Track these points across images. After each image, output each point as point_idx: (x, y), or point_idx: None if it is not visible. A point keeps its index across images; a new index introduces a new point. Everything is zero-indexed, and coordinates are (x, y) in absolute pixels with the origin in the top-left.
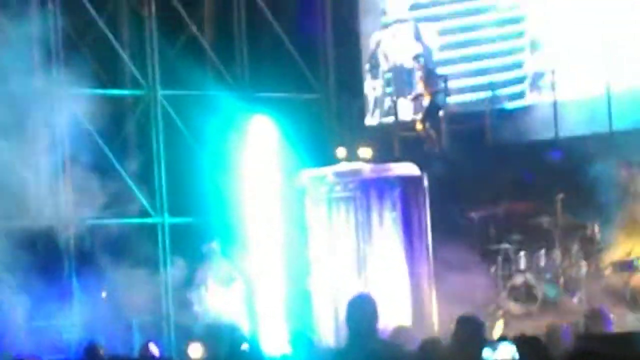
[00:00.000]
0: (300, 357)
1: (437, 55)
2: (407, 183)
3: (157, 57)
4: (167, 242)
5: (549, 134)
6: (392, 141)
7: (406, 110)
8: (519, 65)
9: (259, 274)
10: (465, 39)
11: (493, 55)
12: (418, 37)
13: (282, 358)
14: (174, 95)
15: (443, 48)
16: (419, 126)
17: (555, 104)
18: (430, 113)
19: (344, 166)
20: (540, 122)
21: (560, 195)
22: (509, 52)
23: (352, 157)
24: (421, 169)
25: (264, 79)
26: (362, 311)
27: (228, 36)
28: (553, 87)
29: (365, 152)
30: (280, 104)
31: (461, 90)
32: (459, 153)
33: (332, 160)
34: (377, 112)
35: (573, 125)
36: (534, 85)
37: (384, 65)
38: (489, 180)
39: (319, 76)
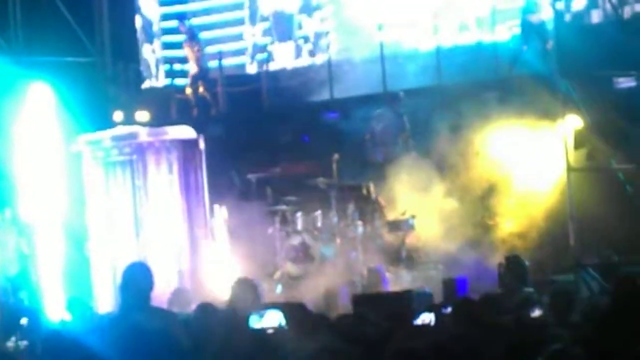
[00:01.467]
0: (77, 323)
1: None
2: (184, 146)
3: None
4: None
5: (325, 95)
6: (170, 104)
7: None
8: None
9: (37, 241)
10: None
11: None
12: None
13: (60, 324)
14: None
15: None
16: (187, 90)
17: (329, 65)
18: (199, 77)
19: (121, 130)
20: (317, 83)
21: (336, 156)
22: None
23: (129, 120)
24: (198, 131)
25: (39, 42)
26: (135, 280)
27: None
28: (328, 48)
29: (143, 115)
30: (56, 68)
31: (236, 53)
32: (236, 115)
33: (110, 124)
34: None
35: (349, 86)
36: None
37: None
38: (265, 142)
39: (94, 39)
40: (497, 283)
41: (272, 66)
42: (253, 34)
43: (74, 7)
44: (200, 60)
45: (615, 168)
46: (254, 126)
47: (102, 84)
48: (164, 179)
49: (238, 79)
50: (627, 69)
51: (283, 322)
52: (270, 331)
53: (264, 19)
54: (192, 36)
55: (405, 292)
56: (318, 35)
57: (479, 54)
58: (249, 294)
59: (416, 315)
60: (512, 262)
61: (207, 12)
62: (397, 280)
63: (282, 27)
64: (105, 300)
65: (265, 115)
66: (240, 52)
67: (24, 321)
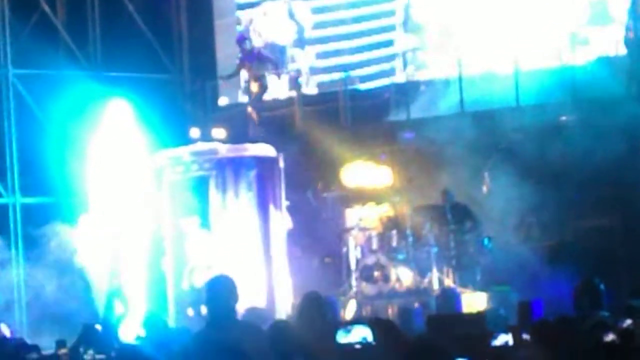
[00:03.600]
0: (153, 339)
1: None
2: (263, 163)
3: (9, 35)
4: (19, 222)
5: (402, 115)
6: (247, 121)
7: (279, 88)
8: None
9: (115, 254)
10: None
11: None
12: (291, 15)
13: (136, 340)
14: (25, 74)
15: (317, 26)
16: (249, 109)
17: (406, 85)
18: (257, 97)
19: (201, 146)
20: (394, 102)
21: (410, 177)
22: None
23: (206, 137)
24: (277, 149)
25: (118, 59)
26: (221, 293)
27: (81, 15)
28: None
29: (219, 132)
30: (134, 85)
31: (324, 70)
32: (314, 134)
33: (187, 140)
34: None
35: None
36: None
37: (257, 43)
38: (343, 161)
39: (172, 57)
40: (573, 306)
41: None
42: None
43: (153, 24)
44: (260, 81)
45: None
46: (331, 145)
47: (179, 100)
48: (242, 195)
49: (318, 97)
50: None
51: (369, 338)
52: (357, 346)
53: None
54: (250, 57)
55: (479, 313)
56: (405, 53)
57: (558, 77)
58: (316, 310)
59: (494, 336)
60: (588, 286)
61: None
62: (472, 302)
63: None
64: (180, 315)
65: (343, 134)
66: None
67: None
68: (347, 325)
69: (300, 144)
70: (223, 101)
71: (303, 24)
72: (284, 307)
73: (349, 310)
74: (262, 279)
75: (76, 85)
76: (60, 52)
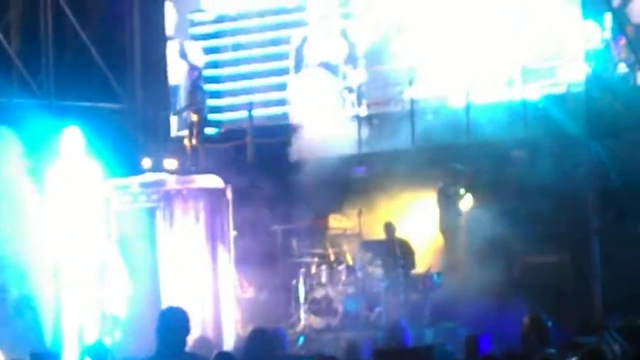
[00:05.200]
0: None
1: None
2: (211, 195)
3: None
4: None
5: (353, 150)
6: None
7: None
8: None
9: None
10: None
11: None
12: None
13: None
14: None
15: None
16: (186, 142)
17: (359, 119)
18: (198, 127)
19: (149, 177)
20: (344, 138)
21: (361, 210)
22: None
23: (157, 168)
24: (226, 181)
25: (71, 88)
26: (172, 323)
27: (34, 44)
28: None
29: (170, 163)
30: (87, 114)
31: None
32: (263, 166)
33: (139, 171)
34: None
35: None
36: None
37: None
38: (291, 194)
39: (125, 86)
40: (519, 342)
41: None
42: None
43: (106, 53)
44: (201, 111)
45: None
46: (280, 178)
47: (131, 130)
48: (190, 227)
49: (267, 130)
50: None
51: None
52: None
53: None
54: (195, 87)
55: (426, 348)
56: (360, 87)
57: (509, 113)
58: (263, 344)
59: None
60: (535, 322)
61: (239, 62)
62: (420, 337)
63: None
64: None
65: (293, 167)
66: (276, 103)
67: None
68: None
69: (251, 176)
70: (175, 132)
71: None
72: (231, 339)
73: (297, 344)
74: (210, 310)
75: (28, 114)
76: (13, 80)
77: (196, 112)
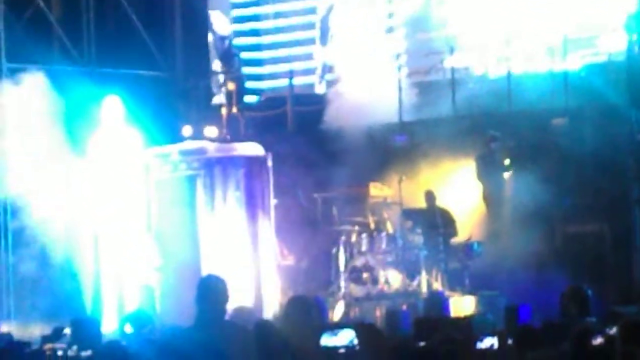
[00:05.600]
0: (140, 336)
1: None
2: (251, 163)
3: (3, 29)
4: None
5: (394, 117)
6: (241, 120)
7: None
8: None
9: (105, 252)
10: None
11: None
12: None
13: (121, 336)
14: (19, 68)
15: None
16: (224, 110)
17: (399, 88)
18: (236, 96)
19: (189, 144)
20: (386, 105)
21: (402, 178)
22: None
23: (198, 136)
24: (266, 149)
25: (111, 56)
26: (211, 292)
27: (75, 12)
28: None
29: (211, 131)
30: (127, 82)
31: (305, 72)
32: (304, 134)
33: (179, 139)
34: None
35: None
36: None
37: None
38: (332, 162)
39: (166, 55)
40: (560, 312)
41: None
42: (323, 54)
43: (148, 22)
44: (238, 80)
45: None
46: (321, 145)
47: (172, 98)
48: (231, 194)
49: (307, 98)
50: None
51: (355, 341)
52: (342, 350)
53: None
54: (230, 56)
55: (466, 317)
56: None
57: (550, 82)
58: (302, 312)
59: (480, 339)
60: (575, 292)
61: (278, 30)
62: (460, 305)
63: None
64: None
65: (334, 135)
66: (309, 72)
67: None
68: (334, 328)
69: (291, 144)
70: (217, 100)
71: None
72: (272, 307)
73: (337, 311)
74: (250, 278)
75: (70, 80)
76: (54, 47)
77: (233, 80)
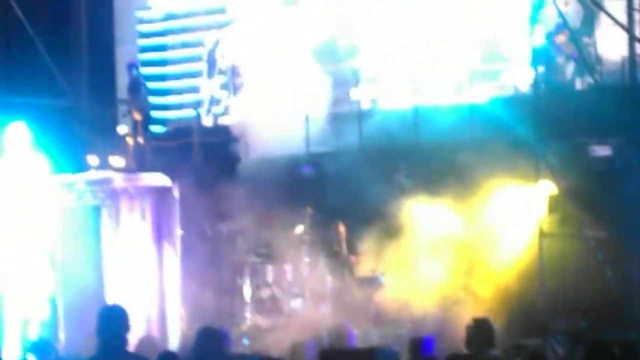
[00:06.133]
0: None
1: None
2: (158, 193)
3: None
4: None
5: (300, 150)
6: (148, 150)
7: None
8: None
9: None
10: None
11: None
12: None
13: None
14: None
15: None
16: (129, 140)
17: (307, 119)
18: (142, 126)
19: (94, 174)
20: (292, 137)
21: (309, 210)
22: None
23: (104, 165)
24: (173, 179)
25: (17, 83)
26: (112, 322)
27: None
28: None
29: (117, 160)
30: (33, 109)
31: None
32: (209, 165)
33: (85, 167)
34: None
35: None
36: None
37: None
38: (238, 193)
39: (72, 82)
40: (464, 345)
41: (227, 120)
42: (210, 87)
43: (53, 49)
44: (144, 110)
45: (587, 235)
46: (227, 177)
47: (78, 127)
48: (136, 225)
49: (213, 129)
50: (603, 137)
51: None
52: None
53: (222, 72)
54: (137, 85)
55: (370, 349)
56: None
57: (456, 114)
58: (212, 343)
59: None
60: (480, 325)
61: (164, 63)
62: (364, 338)
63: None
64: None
65: (240, 166)
66: (196, 104)
67: None
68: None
69: (198, 174)
70: (122, 129)
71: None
72: (176, 338)
73: (242, 344)
74: (155, 308)
75: None
76: None
77: (139, 110)
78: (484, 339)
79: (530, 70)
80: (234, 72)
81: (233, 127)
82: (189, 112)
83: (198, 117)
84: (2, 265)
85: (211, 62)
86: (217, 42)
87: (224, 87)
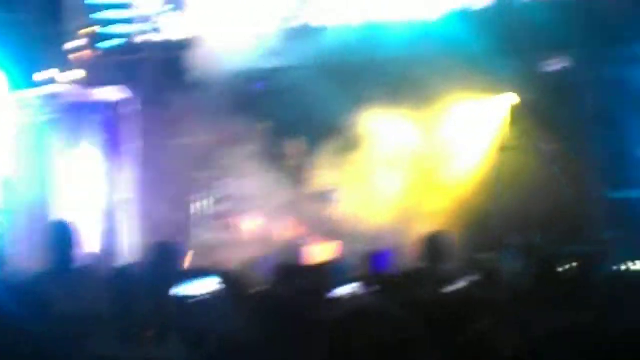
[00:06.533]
0: None
1: None
2: (112, 107)
3: None
4: None
5: (253, 65)
6: (103, 65)
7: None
8: None
9: None
10: None
11: None
12: None
13: None
14: None
15: None
16: (83, 54)
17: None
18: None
19: (47, 89)
20: (243, 52)
21: (262, 124)
22: None
23: (56, 80)
24: (132, 93)
25: None
26: (59, 238)
27: None
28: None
29: (70, 75)
30: None
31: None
32: (162, 81)
33: (38, 83)
34: None
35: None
36: None
37: None
38: (191, 109)
39: None
40: (418, 259)
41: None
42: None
43: None
44: (99, 24)
45: (544, 149)
46: (181, 92)
47: (33, 41)
48: (88, 140)
49: (169, 44)
50: (560, 51)
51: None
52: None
53: None
54: None
55: (323, 264)
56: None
57: (411, 30)
58: (164, 258)
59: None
60: (432, 240)
61: None
62: (318, 253)
63: None
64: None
65: (194, 82)
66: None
67: None
68: (194, 275)
69: (151, 89)
70: (74, 44)
71: None
72: (130, 252)
73: (194, 258)
74: (106, 223)
75: None
76: None
77: (92, 24)
78: (436, 253)
79: None
80: None
81: (184, 42)
82: (138, 27)
83: (152, 31)
84: None
85: None
86: None
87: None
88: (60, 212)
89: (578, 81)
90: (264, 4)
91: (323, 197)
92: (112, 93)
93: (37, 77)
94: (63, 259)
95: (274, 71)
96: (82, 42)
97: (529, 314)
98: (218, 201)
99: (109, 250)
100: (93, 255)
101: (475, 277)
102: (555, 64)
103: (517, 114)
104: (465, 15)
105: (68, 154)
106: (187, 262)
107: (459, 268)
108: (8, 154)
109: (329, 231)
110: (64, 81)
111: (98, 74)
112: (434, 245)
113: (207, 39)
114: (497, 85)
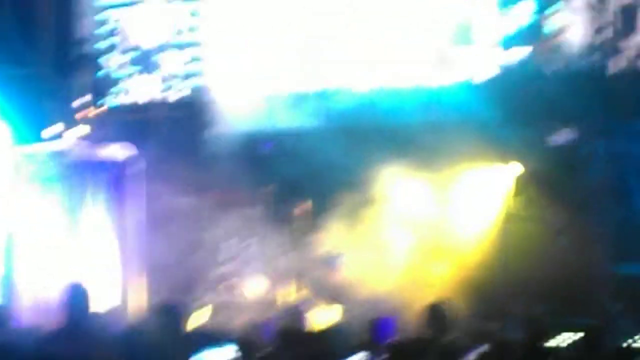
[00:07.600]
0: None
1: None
2: (121, 165)
3: None
4: None
5: (262, 127)
6: (110, 122)
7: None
8: None
9: None
10: None
11: None
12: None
13: None
14: None
15: None
16: (91, 112)
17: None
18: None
19: (56, 145)
20: (253, 114)
21: (270, 187)
22: None
23: (64, 136)
24: (138, 151)
25: None
26: (73, 299)
27: None
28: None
29: (77, 132)
30: None
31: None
32: (172, 140)
33: (45, 139)
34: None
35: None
36: None
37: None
38: (200, 169)
39: (36, 51)
40: (421, 328)
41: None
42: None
43: (17, 16)
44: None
45: (551, 220)
46: (191, 152)
47: (40, 97)
48: (98, 197)
49: (177, 103)
50: (569, 123)
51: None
52: None
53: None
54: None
55: (326, 329)
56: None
57: (421, 97)
58: (168, 320)
59: (347, 354)
60: (436, 309)
61: None
62: (322, 318)
63: None
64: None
65: (204, 141)
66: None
67: None
68: (202, 340)
69: (160, 149)
70: (84, 101)
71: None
72: (138, 310)
73: (201, 319)
74: (119, 284)
75: None
76: None
77: (101, 81)
78: (440, 323)
79: (501, 53)
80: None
81: (196, 103)
82: (152, 86)
83: (161, 91)
84: None
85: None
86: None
87: (190, 62)
88: (67, 269)
89: (587, 153)
90: (274, 66)
91: (328, 261)
92: (118, 151)
93: (44, 132)
94: (78, 319)
95: (282, 133)
96: (90, 98)
97: None
98: (223, 262)
99: (116, 310)
100: (101, 316)
101: (484, 349)
102: (564, 135)
103: (525, 183)
104: (475, 84)
105: (74, 211)
106: (191, 324)
107: (464, 338)
108: (11, 209)
109: (333, 295)
110: (70, 137)
111: (105, 131)
112: (437, 314)
113: (215, 100)
114: (505, 154)
